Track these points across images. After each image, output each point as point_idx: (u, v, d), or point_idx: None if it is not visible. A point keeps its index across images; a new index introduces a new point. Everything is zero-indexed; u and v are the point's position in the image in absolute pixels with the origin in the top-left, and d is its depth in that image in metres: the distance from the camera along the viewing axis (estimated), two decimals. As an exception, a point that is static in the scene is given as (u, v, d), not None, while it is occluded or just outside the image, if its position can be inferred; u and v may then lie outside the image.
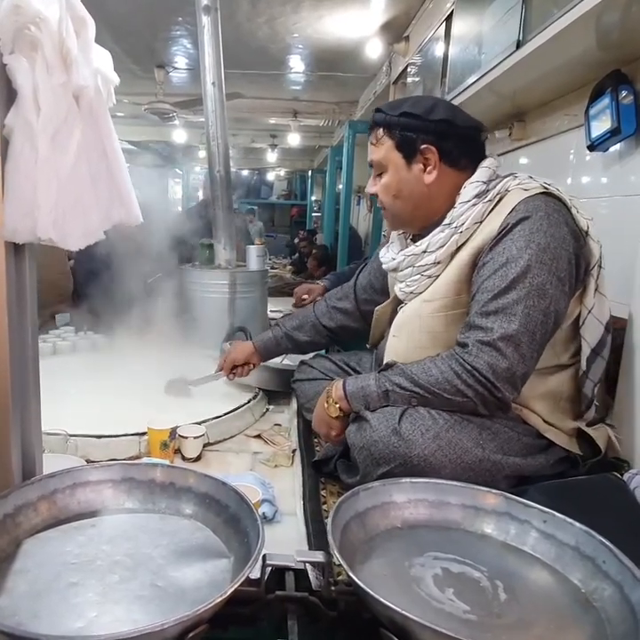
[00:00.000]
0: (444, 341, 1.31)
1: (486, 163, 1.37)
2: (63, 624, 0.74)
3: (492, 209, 1.30)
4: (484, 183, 1.33)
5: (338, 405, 1.36)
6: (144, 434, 1.65)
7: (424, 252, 1.37)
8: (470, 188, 1.33)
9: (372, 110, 1.45)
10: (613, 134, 1.66)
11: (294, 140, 7.75)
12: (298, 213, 12.23)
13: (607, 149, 1.77)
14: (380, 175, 1.43)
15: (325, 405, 1.39)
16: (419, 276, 1.39)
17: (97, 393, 1.99)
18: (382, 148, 1.39)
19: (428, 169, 1.36)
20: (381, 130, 1.39)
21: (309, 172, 11.17)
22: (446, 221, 1.34)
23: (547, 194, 1.26)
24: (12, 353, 0.93)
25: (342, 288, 1.90)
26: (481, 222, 1.30)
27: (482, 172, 1.35)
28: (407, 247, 1.46)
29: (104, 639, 0.65)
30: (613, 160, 1.81)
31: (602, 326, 1.27)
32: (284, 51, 4.61)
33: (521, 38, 1.89)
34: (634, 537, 1.03)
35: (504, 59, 1.98)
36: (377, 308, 1.65)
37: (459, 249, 1.33)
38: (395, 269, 1.48)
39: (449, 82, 2.82)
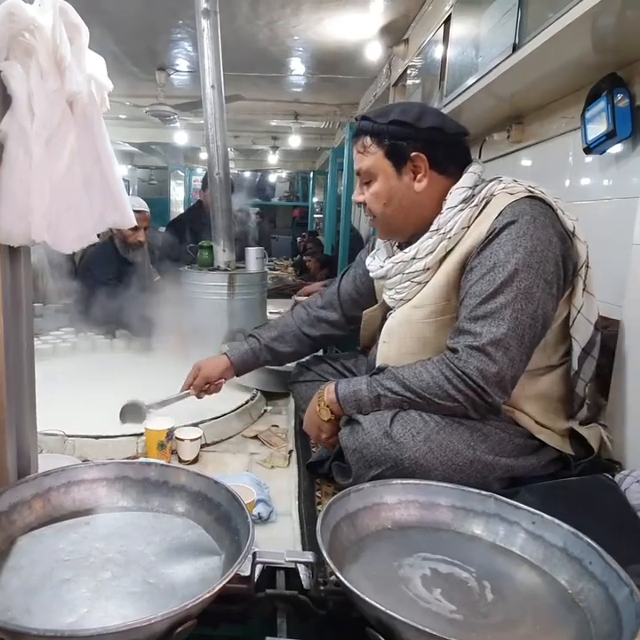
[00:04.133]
0: (433, 347, 1.32)
1: (471, 168, 1.37)
2: (55, 619, 0.76)
3: (479, 214, 1.30)
4: (470, 188, 1.34)
5: (329, 408, 1.36)
6: (141, 434, 1.66)
7: (413, 258, 1.36)
8: (456, 193, 1.33)
9: (355, 118, 1.43)
10: (609, 137, 1.67)
11: (295, 141, 7.78)
12: (300, 215, 12.24)
13: (603, 152, 1.78)
14: (367, 183, 1.41)
15: (317, 408, 1.39)
16: (408, 282, 1.39)
17: (96, 393, 2.01)
18: (371, 157, 1.38)
19: (419, 177, 1.35)
20: (368, 138, 1.37)
21: (311, 174, 11.18)
22: (434, 228, 1.34)
23: (531, 197, 1.26)
24: (8, 353, 0.94)
25: (323, 295, 1.81)
26: (468, 227, 1.31)
27: (467, 178, 1.35)
28: (394, 254, 1.45)
29: (93, 633, 0.66)
30: (610, 162, 1.82)
31: (591, 326, 1.28)
32: (284, 53, 4.62)
33: (517, 41, 1.90)
34: (624, 538, 1.04)
35: (501, 62, 1.99)
36: (365, 312, 1.66)
37: (447, 254, 1.33)
38: (383, 277, 1.47)
39: (447, 84, 2.83)
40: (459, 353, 1.21)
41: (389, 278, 1.44)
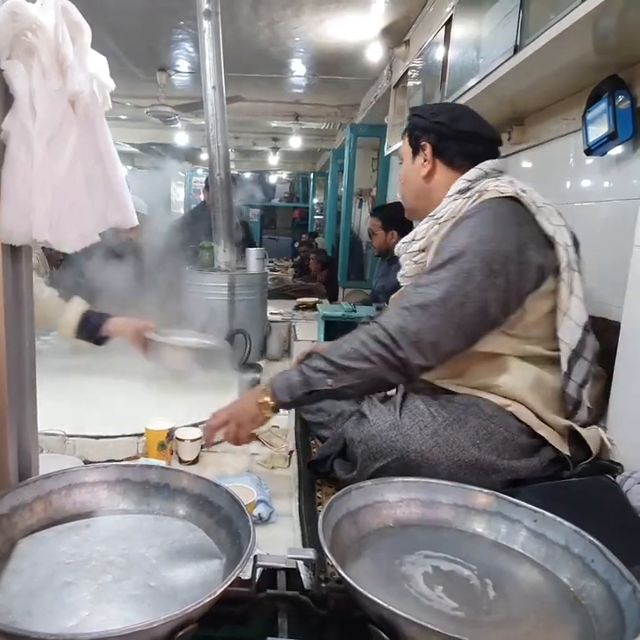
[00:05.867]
0: None
1: (482, 164, 1.45)
2: (56, 622, 0.75)
3: (471, 205, 1.38)
4: (469, 181, 1.43)
5: (268, 398, 1.35)
6: (142, 435, 1.66)
7: (413, 240, 1.51)
8: (457, 184, 1.44)
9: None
10: (610, 139, 1.67)
11: (296, 142, 7.78)
12: (300, 216, 12.25)
13: (604, 154, 1.78)
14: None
15: (259, 396, 1.37)
16: (409, 261, 1.54)
17: (96, 393, 2.01)
18: (404, 142, 1.60)
19: (424, 163, 1.51)
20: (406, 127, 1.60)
21: (311, 175, 11.19)
22: (431, 213, 1.46)
23: (513, 199, 1.32)
24: (9, 354, 0.94)
25: None
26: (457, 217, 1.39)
27: (471, 172, 1.45)
28: None
29: (94, 637, 0.66)
30: (611, 164, 1.82)
31: (579, 328, 1.31)
32: (285, 54, 4.63)
33: (518, 43, 1.90)
34: (625, 537, 1.04)
35: (502, 63, 1.99)
36: (392, 297, 1.71)
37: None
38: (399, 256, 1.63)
39: (448, 85, 2.83)
40: (387, 311, 1.31)
41: (399, 256, 1.58)
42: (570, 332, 1.31)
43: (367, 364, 1.25)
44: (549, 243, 1.32)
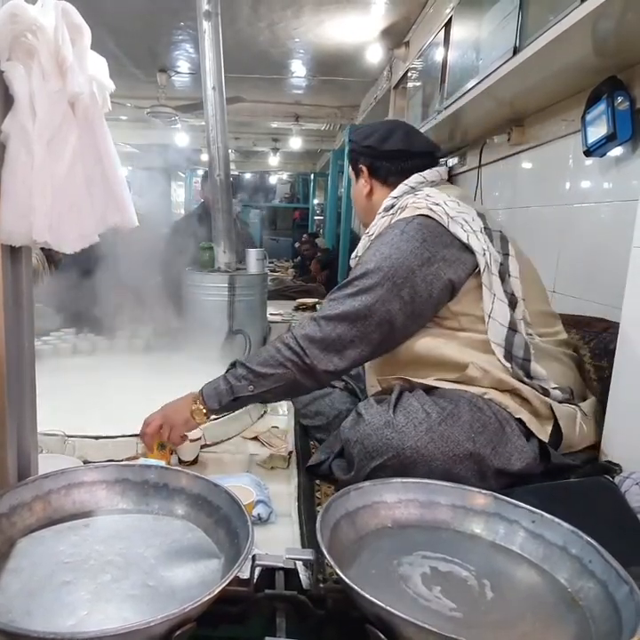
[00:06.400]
0: None
1: (409, 179, 1.55)
2: (55, 622, 0.75)
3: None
4: (394, 198, 1.55)
5: (201, 406, 1.47)
6: (141, 435, 1.66)
7: (356, 256, 1.65)
8: (385, 202, 1.56)
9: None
10: (609, 140, 1.67)
11: (296, 143, 7.80)
12: (300, 216, 12.25)
13: (603, 155, 1.78)
14: None
15: (191, 403, 1.48)
16: None
17: (95, 394, 2.01)
18: (349, 165, 1.73)
19: (363, 183, 1.64)
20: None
21: (312, 176, 11.19)
22: (366, 231, 1.61)
23: (424, 215, 1.41)
24: (9, 354, 0.94)
25: None
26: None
27: (398, 189, 1.56)
28: None
29: (92, 636, 0.66)
30: (610, 165, 1.83)
31: (504, 328, 1.38)
32: (285, 55, 4.64)
33: (518, 44, 1.91)
34: (623, 539, 1.04)
35: (501, 65, 2.00)
36: None
37: None
38: None
39: (448, 87, 2.84)
40: (301, 323, 1.44)
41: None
42: (497, 332, 1.37)
43: (282, 369, 1.40)
44: (468, 248, 1.39)
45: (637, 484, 1.21)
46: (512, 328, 1.38)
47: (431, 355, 1.42)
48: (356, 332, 1.38)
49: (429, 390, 1.39)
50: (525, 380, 1.37)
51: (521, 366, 1.37)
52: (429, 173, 1.56)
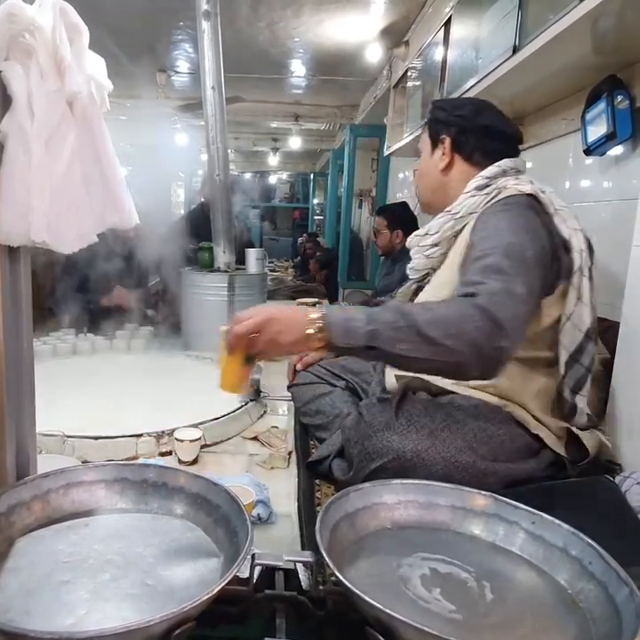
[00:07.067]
0: None
1: (501, 162, 1.44)
2: (54, 621, 0.75)
3: (489, 202, 1.35)
4: (487, 178, 1.42)
5: (320, 333, 1.05)
6: (141, 435, 1.66)
7: (426, 234, 1.49)
8: (474, 181, 1.43)
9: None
10: (609, 139, 1.67)
11: (296, 143, 7.79)
12: (300, 216, 12.25)
13: (603, 154, 1.78)
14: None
15: (308, 324, 1.05)
16: (420, 255, 1.52)
17: (95, 394, 2.01)
18: (424, 134, 1.60)
19: (443, 156, 1.51)
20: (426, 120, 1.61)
21: (311, 175, 11.19)
22: (447, 208, 1.45)
23: (532, 196, 1.30)
24: (7, 354, 0.94)
25: None
26: (476, 213, 1.37)
27: (489, 169, 1.43)
28: None
29: (90, 635, 0.66)
30: (610, 164, 1.82)
31: (581, 333, 1.28)
32: (284, 55, 4.63)
33: (517, 43, 1.90)
34: (624, 539, 1.04)
35: (501, 63, 1.99)
36: (400, 291, 1.70)
37: (457, 236, 1.42)
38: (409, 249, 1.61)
39: (448, 86, 2.83)
40: (480, 296, 1.08)
41: (410, 249, 1.57)
42: (571, 336, 1.28)
43: (460, 343, 1.01)
44: (564, 246, 1.29)
45: (638, 483, 1.21)
46: (588, 335, 1.28)
47: None
48: (528, 308, 1.16)
49: (443, 394, 1.36)
50: (565, 414, 1.31)
51: (570, 394, 1.30)
52: (520, 161, 1.47)
